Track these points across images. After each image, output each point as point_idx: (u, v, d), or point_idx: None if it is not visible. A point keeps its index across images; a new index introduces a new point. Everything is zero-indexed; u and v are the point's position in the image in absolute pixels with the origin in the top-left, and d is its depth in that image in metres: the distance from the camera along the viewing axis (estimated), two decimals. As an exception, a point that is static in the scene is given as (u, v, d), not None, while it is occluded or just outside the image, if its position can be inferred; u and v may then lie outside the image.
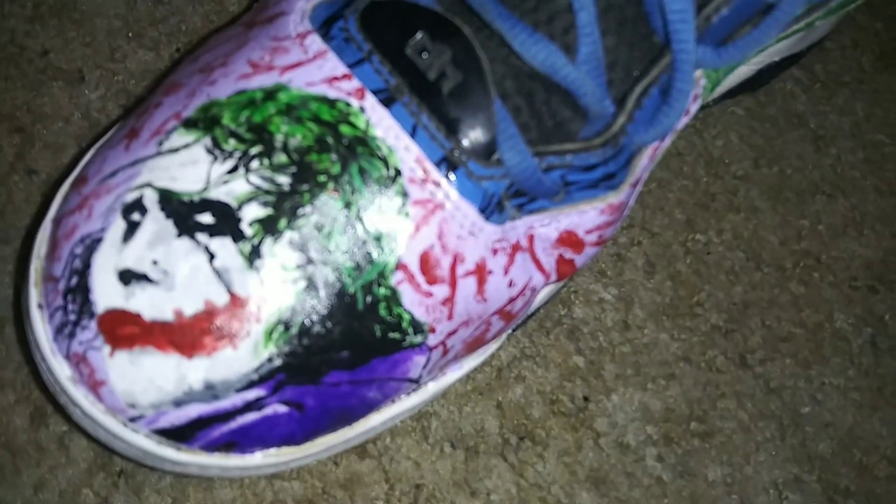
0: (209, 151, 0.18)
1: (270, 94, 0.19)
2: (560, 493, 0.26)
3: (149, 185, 0.18)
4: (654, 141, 0.19)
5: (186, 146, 0.18)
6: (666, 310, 0.29)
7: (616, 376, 0.28)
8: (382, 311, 0.18)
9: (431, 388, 0.22)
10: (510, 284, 0.20)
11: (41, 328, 0.18)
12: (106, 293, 0.17)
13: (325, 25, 0.20)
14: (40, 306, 0.18)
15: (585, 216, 0.20)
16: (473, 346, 0.21)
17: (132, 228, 0.17)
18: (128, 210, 0.18)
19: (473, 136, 0.18)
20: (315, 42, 0.19)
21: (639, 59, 0.20)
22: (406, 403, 0.21)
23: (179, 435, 0.18)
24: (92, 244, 0.17)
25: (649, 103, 0.19)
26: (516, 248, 0.20)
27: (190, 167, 0.18)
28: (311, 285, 0.17)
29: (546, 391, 0.27)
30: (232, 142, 0.18)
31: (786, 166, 0.34)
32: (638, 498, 0.26)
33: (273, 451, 0.19)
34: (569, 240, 0.20)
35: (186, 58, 0.22)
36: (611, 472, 0.26)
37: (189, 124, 0.19)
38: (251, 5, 0.31)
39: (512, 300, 0.20)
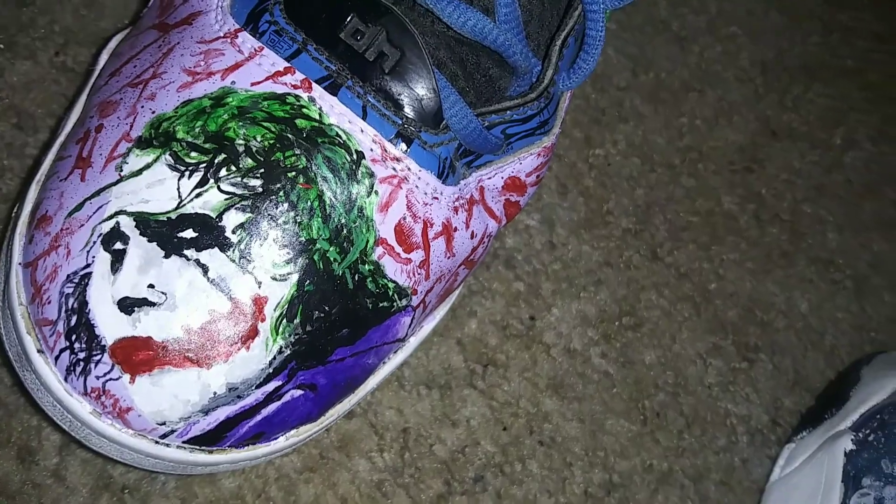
0: (173, 168, 0.18)
1: (218, 100, 0.19)
2: (528, 405, 0.29)
3: (121, 212, 0.18)
4: (577, 85, 0.21)
5: (148, 166, 0.18)
6: (583, 224, 0.32)
7: (553, 292, 0.31)
8: (370, 286, 0.19)
9: (413, 342, 0.23)
10: (472, 236, 0.22)
11: (48, 372, 0.18)
12: (111, 325, 0.17)
13: (251, 20, 0.20)
14: (40, 351, 0.18)
15: (525, 161, 0.22)
16: (444, 296, 0.23)
17: (118, 258, 0.18)
18: (108, 241, 0.18)
19: (420, 108, 0.20)
20: (247, 40, 0.20)
21: (551, 13, 0.21)
22: (395, 361, 0.23)
23: (210, 439, 0.18)
24: (82, 281, 0.18)
25: (568, 53, 0.21)
26: (472, 202, 0.21)
27: (158, 187, 0.18)
28: (302, 276, 0.18)
29: (497, 319, 0.30)
30: (194, 154, 0.18)
31: (659, 70, 0.37)
32: (592, 393, 0.30)
33: (293, 431, 0.20)
34: (513, 185, 0.22)
35: (104, 72, 0.22)
36: (566, 377, 0.30)
37: (143, 144, 0.19)
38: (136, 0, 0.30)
39: (474, 249, 0.22)
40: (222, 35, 0.20)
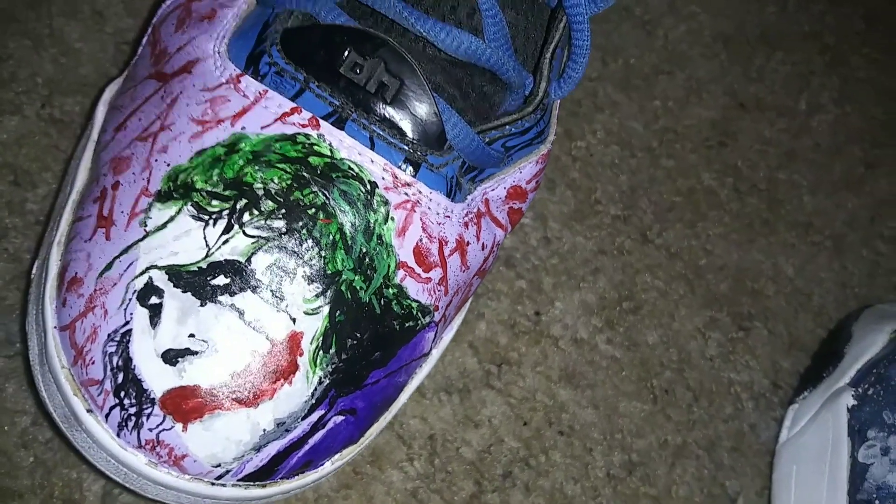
0: (196, 218, 0.19)
1: (232, 146, 0.19)
2: (544, 398, 0.30)
3: (152, 266, 0.19)
4: (568, 93, 0.22)
5: (172, 219, 0.19)
6: (574, 215, 0.33)
7: (554, 286, 0.32)
8: (395, 308, 0.20)
9: (435, 353, 0.24)
10: (483, 248, 0.22)
11: (100, 430, 0.18)
12: (158, 378, 0.18)
13: (251, 63, 0.20)
14: (90, 411, 0.18)
15: (525, 170, 0.23)
16: (460, 306, 0.24)
17: (156, 312, 0.18)
18: (143, 296, 0.18)
19: (424, 132, 0.20)
20: (251, 84, 0.20)
21: (535, 26, 0.22)
22: (421, 374, 0.24)
23: (264, 474, 0.19)
24: (123, 338, 0.18)
25: (557, 63, 0.22)
26: (479, 214, 0.22)
27: (185, 238, 0.19)
28: (333, 307, 0.19)
29: (504, 319, 0.31)
30: (215, 203, 0.19)
31: (628, 57, 0.38)
32: (603, 379, 0.31)
33: (337, 455, 0.21)
34: (515, 193, 0.23)
35: (107, 126, 0.22)
36: (576, 366, 0.31)
37: (163, 197, 0.19)
38: (114, 47, 0.30)
39: (486, 259, 0.23)
40: (225, 81, 0.20)
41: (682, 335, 0.33)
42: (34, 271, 0.22)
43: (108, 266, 0.19)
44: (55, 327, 0.19)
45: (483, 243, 0.22)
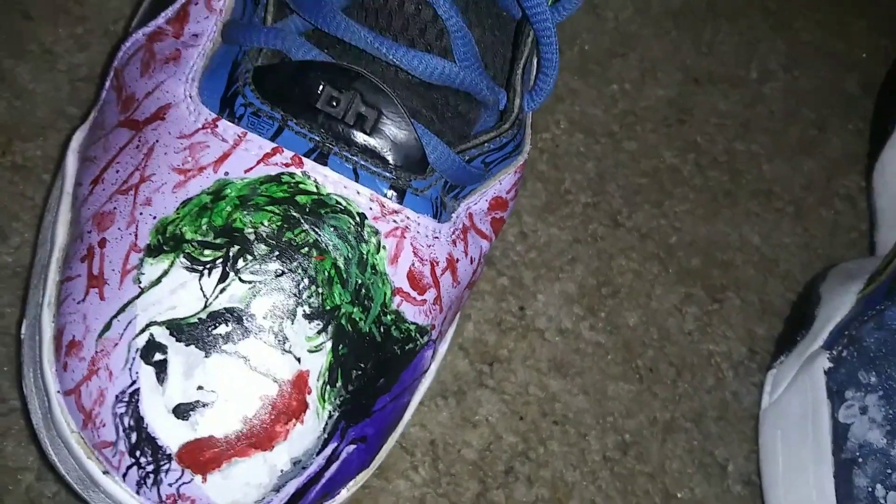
0: (190, 269, 0.19)
1: (217, 193, 0.19)
2: (536, 391, 0.31)
3: (152, 323, 0.19)
4: (540, 105, 0.23)
5: (166, 273, 0.19)
6: (546, 208, 0.34)
7: (534, 279, 0.32)
8: (395, 333, 0.21)
9: (433, 368, 0.25)
10: (471, 261, 0.23)
11: (118, 490, 0.18)
12: (172, 433, 0.18)
13: (226, 105, 0.20)
14: (106, 472, 0.18)
15: (505, 181, 0.23)
16: (452, 319, 0.24)
17: (161, 368, 0.18)
18: (146, 354, 0.18)
19: (406, 158, 0.21)
20: (228, 127, 0.20)
21: (501, 42, 0.22)
22: (421, 389, 0.24)
23: (285, 513, 0.20)
24: (132, 399, 0.18)
25: (527, 77, 0.22)
26: (465, 230, 0.23)
27: (181, 291, 0.19)
28: (335, 342, 0.19)
29: (491, 317, 0.31)
30: (208, 252, 0.19)
31: (582, 43, 0.38)
32: (590, 365, 0.32)
33: (352, 482, 0.21)
34: (497, 204, 0.24)
35: (82, 179, 0.22)
36: (564, 356, 0.31)
37: (154, 252, 0.19)
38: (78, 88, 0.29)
39: (475, 272, 0.23)
40: (201, 126, 0.20)
41: (660, 313, 0.34)
42: (23, 331, 0.22)
43: (107, 326, 0.19)
44: (59, 392, 0.19)
45: (471, 257, 0.23)
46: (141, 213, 0.20)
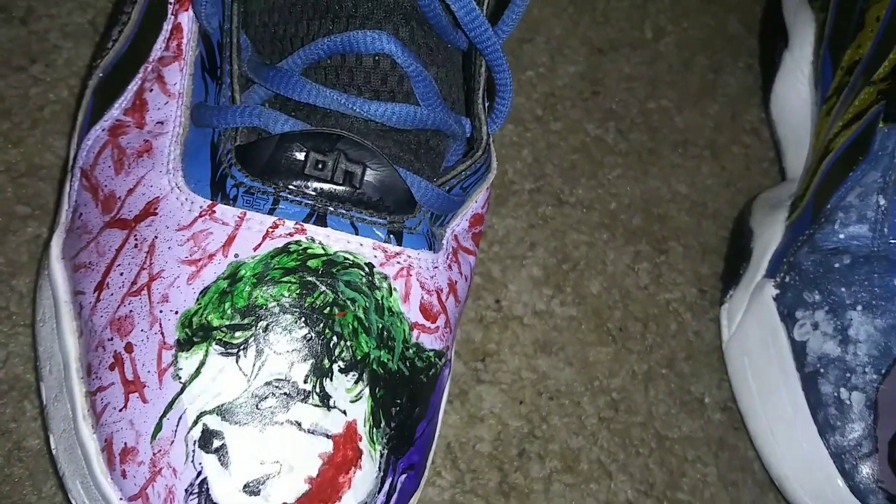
0: (225, 354, 0.20)
1: (233, 276, 0.20)
2: (528, 374, 0.33)
3: (202, 413, 0.19)
4: (500, 127, 0.24)
5: (203, 363, 0.20)
6: (497, 201, 0.36)
7: (502, 271, 0.34)
8: (419, 363, 0.22)
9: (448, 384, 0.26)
10: (465, 279, 0.25)
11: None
12: (249, 511, 0.19)
13: (217, 189, 0.21)
14: None
15: (479, 198, 0.25)
16: (455, 332, 0.26)
17: (222, 453, 0.19)
18: (205, 444, 0.19)
19: (396, 203, 0.22)
20: (226, 210, 0.21)
21: (453, 73, 0.24)
22: (443, 404, 0.26)
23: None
24: (201, 488, 0.19)
25: (485, 104, 0.24)
26: (455, 252, 0.24)
27: (222, 377, 0.20)
28: (372, 387, 0.21)
29: (472, 316, 0.33)
30: (238, 334, 0.20)
31: (490, 37, 0.40)
32: (569, 338, 0.34)
33: (407, 506, 0.23)
34: (475, 220, 0.25)
35: (82, 287, 0.22)
36: (547, 336, 0.34)
37: (185, 345, 0.20)
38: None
39: (468, 286, 0.25)
40: (198, 215, 0.21)
41: (617, 276, 0.36)
42: (53, 446, 0.22)
43: (158, 427, 0.19)
44: (122, 499, 0.20)
45: (465, 276, 0.24)
46: (161, 311, 0.20)
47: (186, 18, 0.23)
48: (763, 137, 0.42)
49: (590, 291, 0.36)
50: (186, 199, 0.21)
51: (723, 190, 0.40)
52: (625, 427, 0.33)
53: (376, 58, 0.22)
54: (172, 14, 0.23)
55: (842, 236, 0.31)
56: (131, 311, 0.20)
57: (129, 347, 0.20)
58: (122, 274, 0.21)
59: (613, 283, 0.36)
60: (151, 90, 0.23)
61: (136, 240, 0.21)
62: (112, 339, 0.21)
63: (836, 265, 0.31)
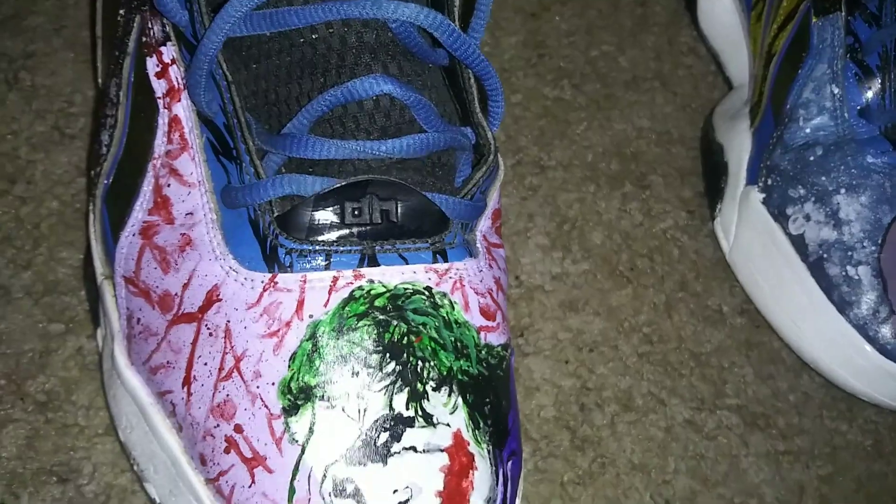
0: (331, 407, 0.21)
1: (314, 335, 0.22)
2: (565, 334, 0.35)
3: (327, 466, 0.21)
4: (496, 128, 0.26)
5: (314, 423, 0.21)
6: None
7: (512, 249, 0.36)
8: (493, 361, 0.24)
9: (509, 367, 0.28)
10: (504, 272, 0.26)
11: None
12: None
13: (271, 261, 0.22)
14: None
15: (495, 195, 0.27)
16: (505, 321, 0.28)
17: (357, 495, 0.20)
18: (339, 492, 0.20)
19: (433, 225, 0.23)
20: (287, 278, 0.22)
21: (440, 87, 0.25)
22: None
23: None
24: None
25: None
26: (488, 250, 0.26)
27: (335, 429, 0.21)
28: (463, 395, 0.23)
29: (500, 298, 0.35)
30: (337, 386, 0.21)
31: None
32: (590, 291, 0.36)
33: (520, 489, 0.25)
34: (495, 216, 0.27)
35: (167, 386, 0.23)
36: (569, 296, 0.36)
37: (292, 411, 0.21)
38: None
39: (507, 276, 0.27)
40: (262, 289, 0.22)
41: (613, 221, 0.39)
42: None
43: (292, 491, 0.21)
44: None
45: (503, 269, 0.26)
46: (258, 387, 0.22)
47: (182, 108, 0.24)
48: (701, 54, 0.45)
49: (594, 243, 0.38)
50: (246, 279, 0.22)
51: (680, 114, 0.43)
52: (662, 356, 0.36)
53: (376, 99, 0.23)
54: (165, 108, 0.24)
55: (808, 131, 0.34)
56: (228, 395, 0.22)
57: (238, 429, 0.22)
58: (206, 364, 0.22)
59: (612, 229, 0.38)
60: (169, 185, 0.24)
61: (208, 329, 0.22)
62: (218, 425, 0.22)
63: (811, 158, 0.33)
